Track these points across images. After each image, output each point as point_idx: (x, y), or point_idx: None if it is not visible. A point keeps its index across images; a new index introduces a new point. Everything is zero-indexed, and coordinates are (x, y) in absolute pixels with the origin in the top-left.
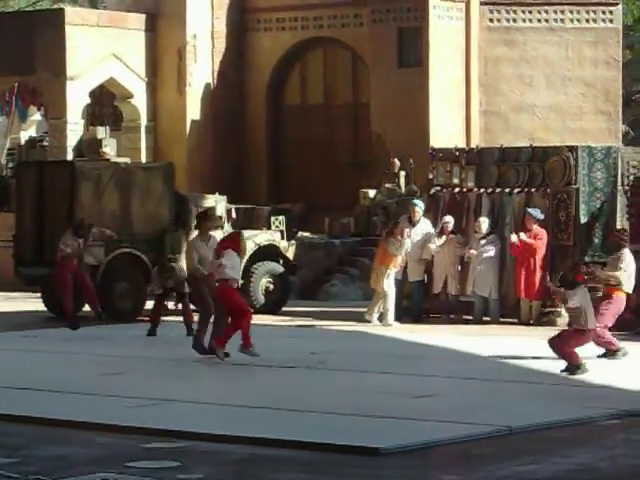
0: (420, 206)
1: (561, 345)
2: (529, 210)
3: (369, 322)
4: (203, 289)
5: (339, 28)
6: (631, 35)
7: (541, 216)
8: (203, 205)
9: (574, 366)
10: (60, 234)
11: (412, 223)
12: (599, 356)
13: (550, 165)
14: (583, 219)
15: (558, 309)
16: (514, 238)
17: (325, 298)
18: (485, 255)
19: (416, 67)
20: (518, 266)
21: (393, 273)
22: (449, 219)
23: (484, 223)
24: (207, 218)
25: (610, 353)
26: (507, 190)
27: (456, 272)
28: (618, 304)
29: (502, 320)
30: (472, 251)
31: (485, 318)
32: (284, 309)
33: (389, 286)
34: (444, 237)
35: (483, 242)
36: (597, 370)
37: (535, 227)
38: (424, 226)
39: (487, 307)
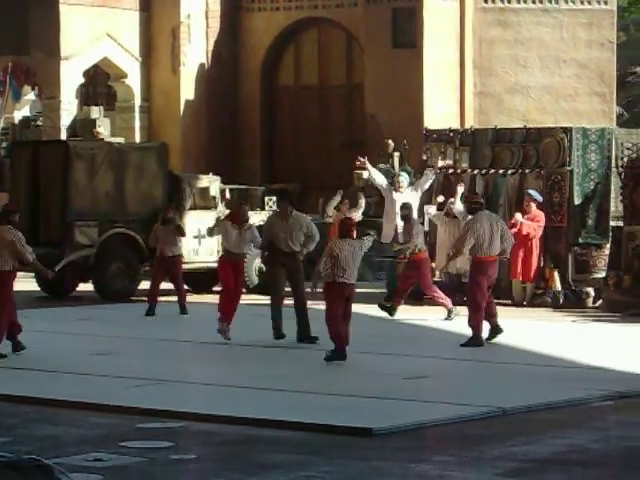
0: (405, 177)
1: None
2: (529, 191)
3: None
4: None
5: (333, 8)
6: (626, 17)
7: (540, 198)
8: (197, 185)
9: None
10: (54, 213)
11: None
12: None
13: (544, 146)
14: (577, 200)
15: (551, 290)
16: (520, 217)
17: (318, 278)
18: None
19: (410, 48)
20: (515, 248)
21: None
22: (454, 200)
23: None
24: (288, 198)
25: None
26: (501, 171)
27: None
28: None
29: (495, 301)
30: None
31: None
32: None
33: None
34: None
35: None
36: (590, 351)
37: (534, 209)
38: (408, 196)
39: None
